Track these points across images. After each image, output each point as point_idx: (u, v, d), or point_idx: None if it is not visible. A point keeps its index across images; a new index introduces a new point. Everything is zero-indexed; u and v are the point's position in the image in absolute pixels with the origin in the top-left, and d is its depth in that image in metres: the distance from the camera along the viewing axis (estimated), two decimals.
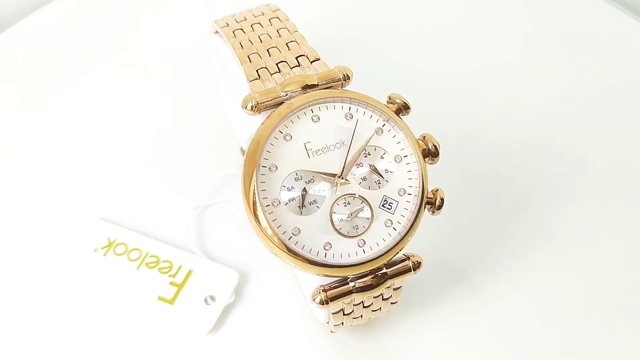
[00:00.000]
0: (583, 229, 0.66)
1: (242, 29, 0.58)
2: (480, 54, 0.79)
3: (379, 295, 0.55)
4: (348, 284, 0.52)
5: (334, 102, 0.52)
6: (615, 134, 0.72)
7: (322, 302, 0.51)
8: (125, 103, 0.76)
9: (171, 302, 0.63)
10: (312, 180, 0.51)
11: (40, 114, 0.74)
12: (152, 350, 0.60)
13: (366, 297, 0.53)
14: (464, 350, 0.60)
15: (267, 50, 0.56)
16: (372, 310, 0.56)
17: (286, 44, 0.56)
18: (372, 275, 0.52)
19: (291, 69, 0.55)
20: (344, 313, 0.55)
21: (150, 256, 0.65)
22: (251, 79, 0.54)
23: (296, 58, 0.55)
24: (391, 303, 0.57)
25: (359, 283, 0.52)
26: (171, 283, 0.64)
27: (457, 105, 0.74)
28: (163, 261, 0.65)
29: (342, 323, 0.56)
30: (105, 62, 0.79)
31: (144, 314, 0.62)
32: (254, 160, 0.50)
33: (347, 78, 0.53)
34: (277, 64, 0.55)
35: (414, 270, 0.53)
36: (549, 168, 0.70)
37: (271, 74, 0.54)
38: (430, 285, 0.63)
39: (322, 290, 0.51)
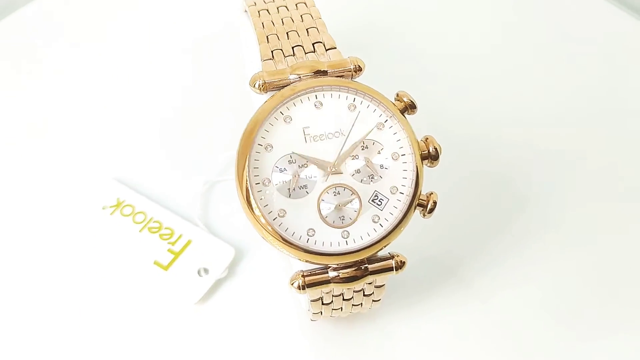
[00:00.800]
0: (580, 228, 0.65)
1: (267, 10, 0.59)
2: (482, 55, 0.79)
3: (360, 290, 0.54)
4: (328, 273, 0.52)
5: (339, 91, 0.52)
6: (614, 134, 0.72)
7: (299, 287, 0.51)
8: (147, 73, 0.78)
9: (166, 268, 0.64)
10: (305, 165, 0.51)
11: (62, 80, 0.77)
12: (139, 313, 0.62)
13: (346, 289, 0.53)
14: (452, 345, 0.60)
15: (287, 33, 0.56)
16: (353, 305, 0.56)
17: (306, 29, 0.57)
18: (355, 268, 0.52)
19: (306, 54, 0.55)
20: (322, 302, 0.55)
21: (154, 221, 0.67)
22: (265, 59, 0.54)
23: (313, 44, 0.55)
24: (373, 300, 0.56)
25: (342, 273, 0.51)
26: (169, 250, 0.65)
27: (459, 104, 0.74)
28: (165, 228, 0.66)
29: (321, 312, 0.56)
30: (126, 34, 0.81)
31: (138, 276, 0.64)
32: (250, 139, 0.51)
33: (358, 69, 0.53)
34: (292, 48, 0.55)
35: (396, 270, 0.52)
36: (547, 168, 0.69)
37: (285, 57, 0.55)
38: (420, 280, 0.62)
39: (301, 276, 0.52)
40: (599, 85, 0.75)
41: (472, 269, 0.63)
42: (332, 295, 0.54)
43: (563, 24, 0.81)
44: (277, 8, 0.59)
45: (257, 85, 0.52)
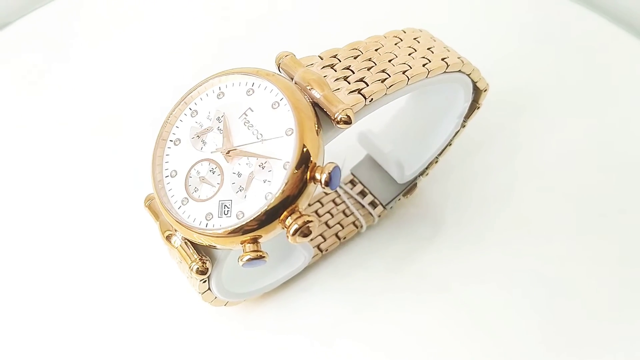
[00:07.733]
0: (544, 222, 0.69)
1: (400, 37, 0.58)
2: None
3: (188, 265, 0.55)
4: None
5: (297, 113, 0.50)
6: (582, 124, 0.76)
7: (144, 203, 0.55)
8: None
9: None
10: (221, 130, 0.53)
11: None
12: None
13: (167, 244, 0.54)
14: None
15: (368, 59, 0.55)
16: (186, 275, 0.58)
17: (382, 70, 0.54)
18: (180, 237, 0.53)
19: (344, 79, 0.53)
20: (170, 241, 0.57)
21: None
22: (318, 54, 0.55)
23: (358, 79, 0.53)
24: (198, 292, 0.57)
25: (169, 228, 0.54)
26: None
27: None
28: None
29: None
30: None
31: None
32: (214, 78, 0.54)
33: (344, 121, 0.50)
34: (344, 67, 0.54)
35: (196, 272, 0.52)
36: (512, 159, 0.73)
37: (329, 66, 0.54)
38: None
39: (152, 199, 0.55)
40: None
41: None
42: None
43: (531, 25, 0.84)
44: (408, 46, 0.57)
45: (276, 61, 0.54)
